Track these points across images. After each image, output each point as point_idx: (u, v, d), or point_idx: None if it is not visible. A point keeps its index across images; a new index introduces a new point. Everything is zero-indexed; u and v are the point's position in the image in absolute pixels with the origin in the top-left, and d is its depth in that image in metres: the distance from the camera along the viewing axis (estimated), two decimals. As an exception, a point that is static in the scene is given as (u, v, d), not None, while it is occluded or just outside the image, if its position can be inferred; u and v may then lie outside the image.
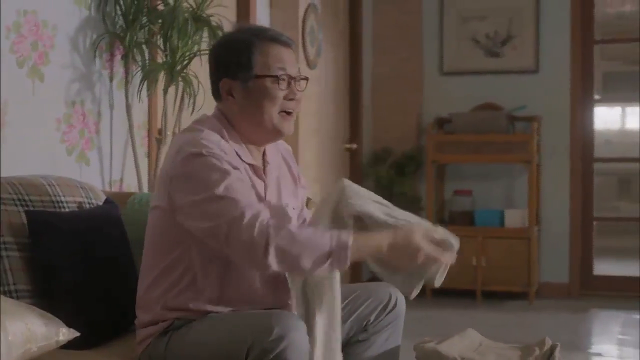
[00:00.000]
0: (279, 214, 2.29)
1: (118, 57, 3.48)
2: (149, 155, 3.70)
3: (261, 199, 2.30)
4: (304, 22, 4.86)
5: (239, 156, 2.28)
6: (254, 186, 2.29)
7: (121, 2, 3.37)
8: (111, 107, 3.47)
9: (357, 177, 6.03)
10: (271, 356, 2.02)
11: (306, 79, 2.34)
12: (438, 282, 2.19)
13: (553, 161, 6.14)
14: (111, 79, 3.46)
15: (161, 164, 3.47)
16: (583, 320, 5.51)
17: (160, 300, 2.29)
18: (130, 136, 3.46)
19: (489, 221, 5.99)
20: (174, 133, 3.52)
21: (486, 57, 6.27)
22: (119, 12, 3.39)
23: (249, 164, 2.31)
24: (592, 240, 6.21)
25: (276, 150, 2.46)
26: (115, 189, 3.49)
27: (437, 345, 2.49)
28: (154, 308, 2.30)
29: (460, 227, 5.84)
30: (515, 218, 5.94)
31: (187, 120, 3.68)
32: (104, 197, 2.89)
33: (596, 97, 6.26)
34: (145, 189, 3.52)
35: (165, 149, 3.50)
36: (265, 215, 2.10)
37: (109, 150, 3.47)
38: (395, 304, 2.52)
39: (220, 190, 2.11)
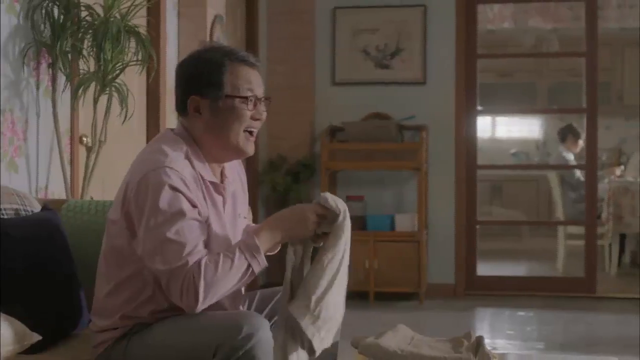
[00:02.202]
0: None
1: (44, 65, 3.51)
2: (71, 163, 3.74)
3: (219, 213, 2.40)
4: (211, 32, 4.98)
5: (201, 176, 2.36)
6: (214, 203, 2.38)
7: (50, 12, 3.41)
8: (37, 115, 3.50)
9: (254, 184, 6.17)
10: (240, 353, 2.15)
11: (269, 99, 2.46)
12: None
13: (439, 168, 6.46)
14: (37, 87, 3.49)
15: (92, 171, 3.54)
16: (472, 318, 5.86)
17: (119, 310, 2.36)
18: (58, 144, 3.50)
19: (380, 225, 6.24)
20: (99, 141, 3.58)
21: (376, 68, 6.54)
22: (47, 21, 3.43)
23: (211, 182, 2.40)
24: (475, 243, 6.58)
25: (231, 165, 2.56)
26: (41, 195, 3.51)
27: (377, 340, 2.68)
28: (112, 316, 2.37)
29: (353, 232, 5.92)
30: (405, 222, 6.21)
31: (116, 128, 3.77)
32: (37, 204, 2.94)
33: (479, 107, 6.63)
34: (72, 196, 3.56)
35: (94, 157, 3.57)
36: (200, 261, 2.20)
37: (35, 158, 3.49)
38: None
39: (171, 232, 2.20)
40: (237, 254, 2.23)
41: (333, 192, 6.43)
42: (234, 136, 2.36)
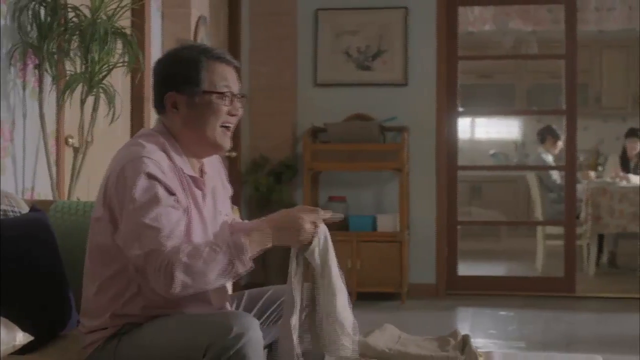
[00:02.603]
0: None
1: (31, 66, 3.52)
2: (57, 163, 3.74)
3: (198, 207, 2.43)
4: (195, 34, 4.99)
5: (180, 169, 2.40)
6: (193, 197, 2.41)
7: (37, 13, 3.42)
8: (24, 116, 3.51)
9: (237, 184, 6.19)
10: (231, 353, 2.17)
11: (244, 96, 2.52)
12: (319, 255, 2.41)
13: (420, 169, 6.50)
14: (24, 88, 3.50)
15: (79, 172, 3.55)
16: (454, 318, 5.91)
17: (108, 309, 2.38)
18: (44, 145, 3.51)
19: (362, 226, 6.27)
20: (86, 142, 3.59)
21: (358, 70, 6.57)
22: (33, 23, 3.44)
23: (190, 176, 2.44)
24: (456, 243, 6.63)
25: (211, 162, 2.60)
26: (27, 196, 3.52)
27: (365, 339, 2.72)
28: (101, 316, 2.39)
29: (335, 232, 5.98)
30: (387, 223, 6.25)
31: (102, 129, 3.78)
32: (25, 205, 2.96)
33: (460, 109, 6.69)
34: (58, 197, 3.57)
35: (80, 158, 3.58)
36: (179, 246, 2.22)
37: (21, 159, 3.50)
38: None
39: (148, 218, 2.23)
40: (224, 249, 2.25)
41: (315, 192, 6.50)
42: (210, 131, 2.42)
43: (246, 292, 2.75)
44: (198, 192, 2.45)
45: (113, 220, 2.32)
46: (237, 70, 2.51)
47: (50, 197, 3.57)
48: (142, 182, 2.26)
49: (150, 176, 2.27)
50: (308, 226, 2.39)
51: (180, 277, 2.18)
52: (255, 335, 2.22)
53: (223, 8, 6.19)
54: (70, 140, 3.81)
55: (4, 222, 2.68)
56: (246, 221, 2.80)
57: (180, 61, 2.44)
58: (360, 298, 6.16)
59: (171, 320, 2.32)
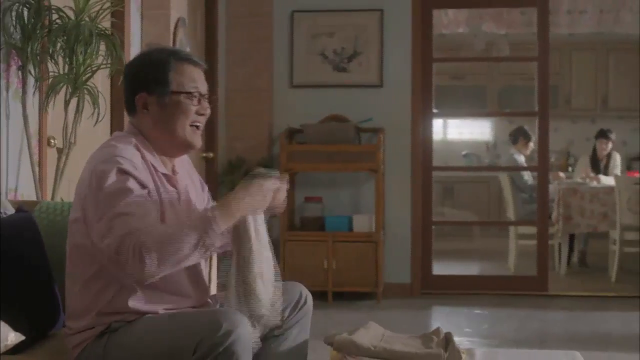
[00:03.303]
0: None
1: (14, 67, 3.53)
2: (40, 164, 3.75)
3: (172, 202, 2.48)
4: (174, 35, 5.02)
5: (153, 167, 2.46)
6: (167, 193, 2.47)
7: (20, 14, 3.43)
8: (7, 117, 3.51)
9: (214, 185, 6.22)
10: (220, 349, 2.22)
11: (213, 95, 2.60)
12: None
13: (396, 170, 6.58)
14: (7, 89, 3.51)
15: (63, 173, 3.57)
16: (429, 317, 5.99)
17: (92, 308, 2.41)
18: (28, 146, 3.52)
19: (338, 226, 6.32)
20: (70, 143, 3.61)
21: (334, 71, 6.63)
22: (17, 24, 3.45)
23: (163, 174, 2.50)
24: (431, 243, 6.71)
25: (181, 162, 2.67)
26: (10, 197, 3.53)
27: (351, 336, 2.77)
28: (87, 316, 2.42)
29: (311, 233, 6.21)
30: (362, 223, 6.31)
31: (86, 130, 3.80)
32: (10, 206, 2.97)
33: (434, 110, 6.76)
34: (41, 197, 3.58)
35: (64, 159, 3.60)
36: (148, 227, 2.24)
37: (5, 160, 3.51)
38: (305, 301, 2.80)
39: (119, 208, 2.27)
40: (192, 223, 2.26)
41: (290, 193, 6.54)
42: (180, 130, 2.49)
43: None
44: (172, 190, 2.52)
45: (88, 219, 2.36)
46: (205, 71, 2.59)
47: (33, 198, 3.59)
48: (113, 176, 2.32)
49: (123, 171, 2.34)
50: (269, 188, 2.39)
51: (153, 256, 2.19)
52: (244, 332, 2.27)
53: (200, 9, 6.21)
54: (52, 141, 3.82)
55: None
56: None
57: (149, 63, 2.52)
58: (336, 298, 6.22)
59: (161, 318, 2.37)
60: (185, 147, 2.54)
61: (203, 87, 2.54)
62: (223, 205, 2.34)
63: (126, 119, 4.65)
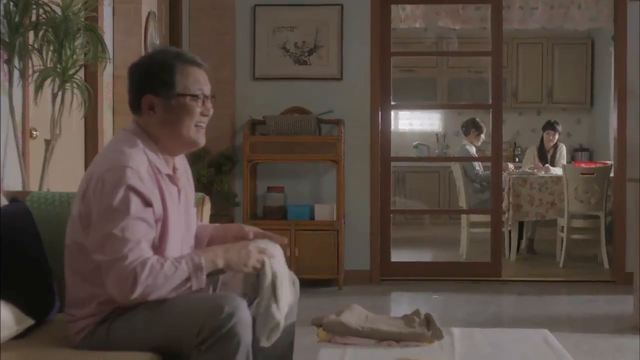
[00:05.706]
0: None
1: (0, 61, 3.61)
2: (24, 156, 3.83)
3: (174, 202, 2.62)
4: (145, 29, 5.11)
5: (158, 169, 2.58)
6: (169, 194, 2.59)
7: (7, 8, 3.51)
8: (-4, 110, 3.60)
9: (179, 175, 6.32)
10: (223, 331, 2.36)
11: (214, 97, 2.71)
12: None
13: (356, 160, 6.76)
14: (-6, 83, 3.59)
15: (49, 164, 3.66)
16: (390, 302, 6.20)
17: (93, 299, 2.53)
18: (15, 139, 3.61)
19: (300, 215, 6.50)
20: (55, 135, 3.70)
21: (295, 64, 6.78)
22: (3, 18, 3.53)
23: (167, 174, 2.62)
24: (389, 231, 6.91)
25: (180, 158, 2.78)
26: (-2, 188, 3.61)
27: (338, 317, 2.94)
28: (88, 305, 2.54)
29: (274, 221, 6.38)
30: (324, 212, 6.48)
31: (70, 123, 3.89)
32: (2, 197, 3.06)
33: (392, 102, 6.96)
34: (28, 188, 3.67)
35: (51, 150, 3.69)
36: (143, 256, 2.40)
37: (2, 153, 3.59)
38: (294, 285, 2.97)
39: (116, 229, 2.40)
40: (183, 264, 2.44)
41: (253, 183, 6.69)
42: (186, 130, 2.60)
43: (220, 276, 2.93)
44: (174, 189, 2.64)
45: (87, 220, 2.48)
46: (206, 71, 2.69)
47: (18, 189, 3.67)
48: (118, 194, 2.42)
49: (129, 187, 2.43)
50: (253, 261, 2.59)
51: (141, 287, 2.36)
52: (244, 315, 2.42)
53: (164, 2, 6.30)
54: (34, 133, 3.91)
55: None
56: (209, 224, 3.01)
57: (156, 65, 2.60)
58: (299, 285, 6.35)
59: (163, 303, 2.47)
60: (190, 145, 2.66)
61: (207, 89, 2.64)
62: (213, 254, 2.53)
63: (100, 113, 4.78)
